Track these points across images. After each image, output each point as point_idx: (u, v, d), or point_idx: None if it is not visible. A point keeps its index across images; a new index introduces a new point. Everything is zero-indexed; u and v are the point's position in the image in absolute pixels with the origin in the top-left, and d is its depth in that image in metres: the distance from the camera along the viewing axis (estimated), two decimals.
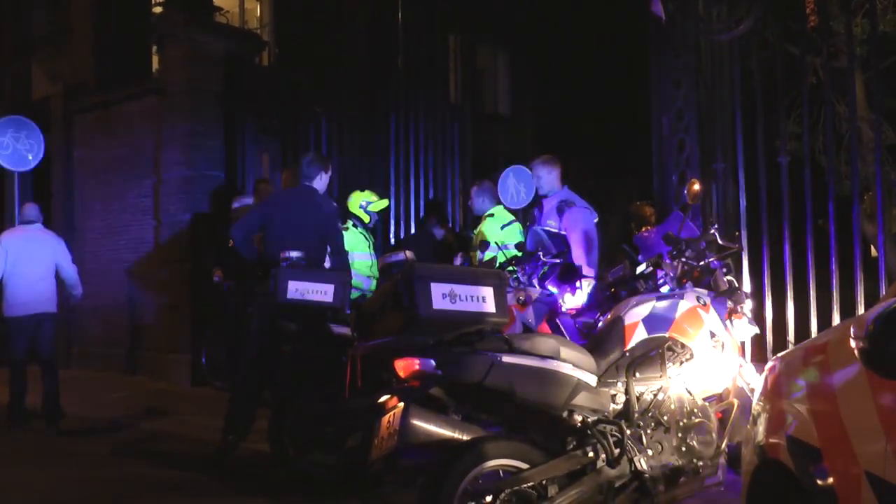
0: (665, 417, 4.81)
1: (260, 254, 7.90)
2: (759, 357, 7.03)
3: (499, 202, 9.49)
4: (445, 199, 11.82)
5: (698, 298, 5.23)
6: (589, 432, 4.49)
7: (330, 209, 8.00)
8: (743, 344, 6.28)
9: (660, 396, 4.85)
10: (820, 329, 6.84)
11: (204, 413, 9.31)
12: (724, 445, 4.94)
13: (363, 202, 9.53)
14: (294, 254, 7.37)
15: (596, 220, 8.05)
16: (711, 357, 5.10)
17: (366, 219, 9.48)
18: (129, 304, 13.44)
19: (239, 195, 11.41)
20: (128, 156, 13.53)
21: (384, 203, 10.03)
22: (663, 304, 5.11)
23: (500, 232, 8.65)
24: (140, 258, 13.18)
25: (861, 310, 6.62)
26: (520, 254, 7.83)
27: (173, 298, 12.46)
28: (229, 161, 12.51)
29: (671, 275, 5.52)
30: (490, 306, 4.34)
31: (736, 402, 5.13)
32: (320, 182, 7.97)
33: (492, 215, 8.92)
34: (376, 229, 10.16)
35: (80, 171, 14.52)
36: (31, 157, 12.65)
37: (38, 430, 9.54)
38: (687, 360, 4.97)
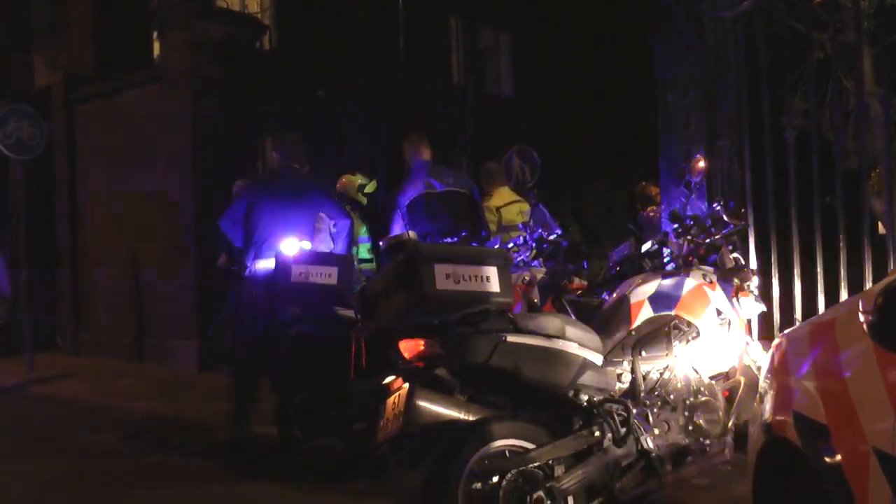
0: (671, 396, 4.78)
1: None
2: (765, 334, 6.99)
3: (504, 183, 9.46)
4: None
5: (704, 276, 5.21)
6: (595, 412, 4.47)
7: (322, 188, 8.05)
8: (749, 321, 6.26)
9: (666, 375, 4.82)
10: (827, 306, 6.80)
11: (212, 399, 9.30)
12: (730, 424, 4.92)
13: (359, 185, 9.53)
14: (298, 237, 7.39)
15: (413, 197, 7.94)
16: (718, 335, 5.08)
17: (364, 202, 9.45)
18: (135, 291, 13.44)
19: (241, 179, 11.35)
20: (130, 143, 13.51)
21: (375, 184, 9.98)
22: (669, 282, 5.08)
23: (496, 213, 8.62)
24: (145, 245, 13.17)
25: (868, 286, 6.57)
26: (524, 234, 7.80)
27: (179, 284, 12.44)
28: (231, 147, 12.47)
29: (677, 253, 5.49)
30: (494, 286, 4.32)
31: (743, 380, 5.11)
32: (304, 163, 8.01)
33: (489, 196, 8.88)
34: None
35: (84, 160, 14.52)
36: (34, 146, 12.68)
37: (45, 415, 9.58)
38: (693, 338, 4.95)
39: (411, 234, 5.16)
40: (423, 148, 8.29)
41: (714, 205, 5.82)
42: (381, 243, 5.25)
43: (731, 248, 5.71)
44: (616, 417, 4.48)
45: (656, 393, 4.77)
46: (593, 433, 4.42)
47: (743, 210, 7.34)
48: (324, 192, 7.87)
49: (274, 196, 7.61)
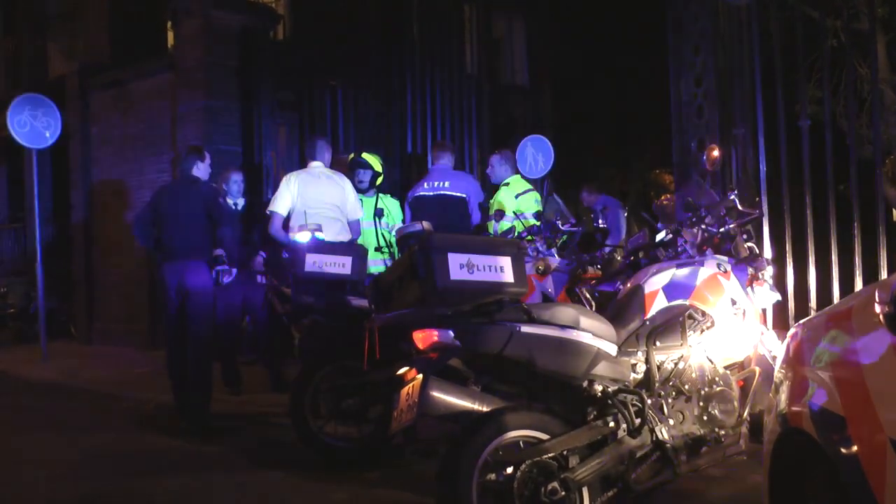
0: (686, 386, 4.77)
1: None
2: (780, 324, 6.98)
3: (517, 171, 9.46)
4: (463, 169, 11.77)
5: (719, 265, 5.20)
6: (609, 402, 4.46)
7: (210, 190, 8.48)
8: (764, 311, 6.24)
9: (681, 365, 4.81)
10: (842, 295, 6.79)
11: (223, 387, 9.31)
12: (745, 414, 4.90)
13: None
14: (312, 226, 7.39)
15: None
16: (733, 325, 5.07)
17: None
18: (149, 279, 13.47)
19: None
20: (144, 132, 13.55)
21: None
22: (683, 271, 5.07)
23: (514, 201, 8.62)
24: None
25: (884, 275, 6.55)
26: (537, 223, 7.81)
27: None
28: (246, 136, 12.47)
29: (691, 242, 5.48)
30: (508, 276, 4.31)
31: (758, 370, 5.09)
32: (199, 170, 8.39)
33: (507, 184, 8.89)
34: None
35: (98, 148, 14.55)
36: (48, 135, 12.74)
37: (59, 403, 9.62)
38: (708, 328, 4.94)
39: (425, 224, 5.17)
40: (443, 154, 9.40)
41: (728, 194, 5.80)
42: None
43: (745, 237, 5.69)
44: (631, 408, 4.46)
45: (671, 383, 4.76)
46: (608, 424, 4.41)
47: (757, 199, 7.33)
48: (209, 200, 8.24)
49: (170, 203, 8.21)
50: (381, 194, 9.18)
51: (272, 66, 12.61)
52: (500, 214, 8.07)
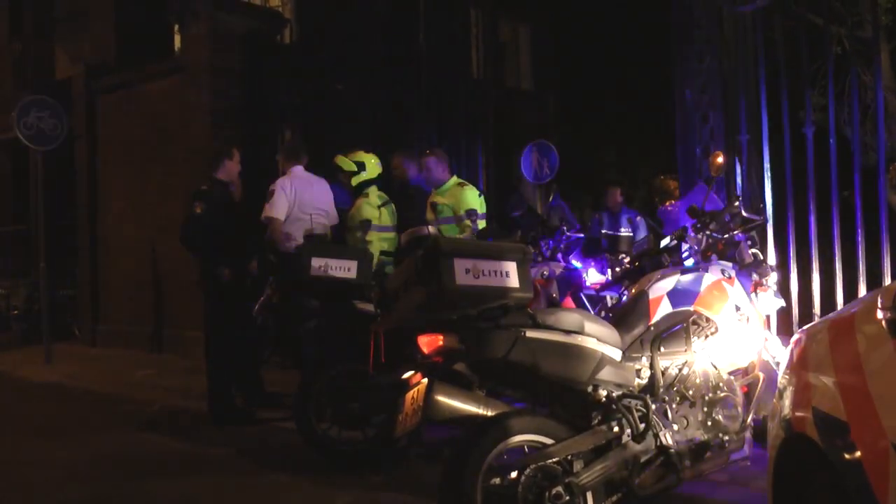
0: (690, 392, 4.78)
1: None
2: (784, 330, 7.00)
3: (453, 172, 8.91)
4: (468, 173, 11.76)
5: (723, 272, 5.21)
6: (614, 407, 4.47)
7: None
8: (768, 317, 6.25)
9: (685, 371, 4.82)
10: (846, 301, 6.80)
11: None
12: (749, 420, 4.92)
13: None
14: (317, 230, 7.41)
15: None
16: (737, 330, 5.08)
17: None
18: (154, 282, 13.50)
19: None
20: (151, 134, 13.57)
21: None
22: (688, 277, 5.08)
23: (479, 200, 8.33)
24: (164, 236, 13.21)
25: (887, 281, 6.56)
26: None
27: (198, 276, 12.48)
28: (252, 139, 12.49)
29: (695, 248, 5.50)
30: (514, 281, 4.31)
31: (761, 375, 5.10)
32: (224, 170, 8.72)
33: (464, 184, 8.43)
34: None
35: (104, 150, 14.57)
36: (54, 137, 12.76)
37: (62, 406, 9.64)
38: (712, 333, 4.95)
39: (431, 228, 5.18)
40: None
41: (733, 200, 5.82)
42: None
43: (749, 243, 5.71)
44: (635, 413, 4.48)
45: (675, 388, 4.77)
46: (612, 428, 4.42)
47: (761, 205, 7.34)
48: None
49: None
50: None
51: (278, 69, 12.64)
52: (475, 213, 7.94)
